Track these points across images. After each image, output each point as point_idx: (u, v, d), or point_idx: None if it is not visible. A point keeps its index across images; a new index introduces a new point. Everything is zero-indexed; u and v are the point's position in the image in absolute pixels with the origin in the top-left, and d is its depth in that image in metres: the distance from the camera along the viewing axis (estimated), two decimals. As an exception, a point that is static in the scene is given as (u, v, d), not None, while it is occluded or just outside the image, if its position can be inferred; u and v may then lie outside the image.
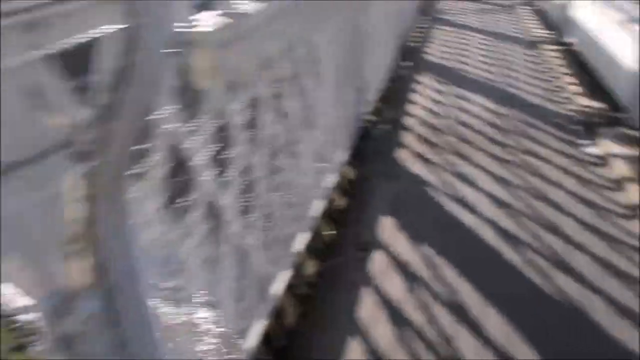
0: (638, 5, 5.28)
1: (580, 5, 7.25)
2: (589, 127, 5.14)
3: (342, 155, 4.50)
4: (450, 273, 3.39)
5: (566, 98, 5.97)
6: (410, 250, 3.65)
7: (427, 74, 7.15)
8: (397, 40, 8.02)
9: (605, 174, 4.35)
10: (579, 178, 4.32)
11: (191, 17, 1.87)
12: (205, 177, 2.15)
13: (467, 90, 6.46)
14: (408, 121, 5.69)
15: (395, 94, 6.45)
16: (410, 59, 7.78)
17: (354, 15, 4.64)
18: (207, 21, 1.92)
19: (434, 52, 8.25)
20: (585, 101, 5.63)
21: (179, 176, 1.95)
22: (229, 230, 2.39)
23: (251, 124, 2.59)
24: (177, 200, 1.95)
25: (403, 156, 4.94)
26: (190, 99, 1.94)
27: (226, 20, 1.98)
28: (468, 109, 5.89)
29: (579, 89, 5.98)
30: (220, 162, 2.22)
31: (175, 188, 1.90)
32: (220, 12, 2.01)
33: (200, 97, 2.04)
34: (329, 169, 4.09)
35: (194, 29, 1.85)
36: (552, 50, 7.57)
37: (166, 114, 1.80)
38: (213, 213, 2.24)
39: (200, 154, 2.10)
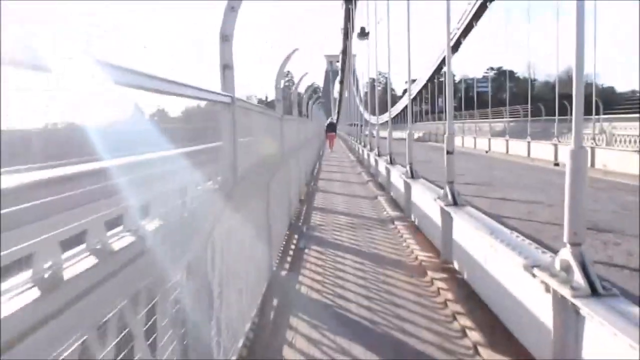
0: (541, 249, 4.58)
1: (464, 229, 6.63)
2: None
3: None
4: None
5: (469, 349, 4.87)
6: None
7: (301, 317, 5.87)
8: (261, 271, 6.83)
9: None
10: None
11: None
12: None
13: (348, 339, 5.20)
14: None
15: (264, 351, 5.01)
16: (280, 296, 6.53)
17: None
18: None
19: (307, 282, 7.12)
20: (495, 355, 4.53)
21: None
22: None
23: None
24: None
25: None
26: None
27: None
28: (354, 371, 4.55)
29: (481, 338, 4.92)
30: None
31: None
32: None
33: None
34: None
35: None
36: (439, 279, 6.71)
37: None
38: None
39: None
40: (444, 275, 6.84)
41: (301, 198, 14.66)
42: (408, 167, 10.86)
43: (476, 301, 5.87)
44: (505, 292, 4.91)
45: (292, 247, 9.16)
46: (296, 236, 9.90)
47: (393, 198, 13.75)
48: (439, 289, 6.43)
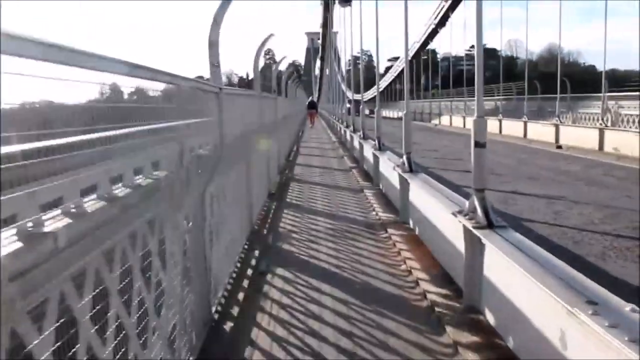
0: None
1: (507, 270, 4.19)
2: None
3: None
4: None
5: None
6: None
7: None
8: (191, 325, 4.32)
9: None
10: None
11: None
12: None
13: None
14: None
15: None
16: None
17: None
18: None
19: (262, 342, 4.62)
20: None
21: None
22: None
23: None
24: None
25: None
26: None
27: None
28: None
29: None
30: None
31: None
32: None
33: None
34: None
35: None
36: (467, 346, 4.26)
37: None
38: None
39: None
40: (475, 339, 4.37)
41: (271, 192, 12.13)
42: (405, 158, 8.36)
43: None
44: None
45: (250, 271, 6.65)
46: (257, 252, 7.39)
47: (383, 193, 11.27)
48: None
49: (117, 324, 2.91)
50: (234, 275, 6.36)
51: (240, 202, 7.38)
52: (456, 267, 5.43)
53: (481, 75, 5.10)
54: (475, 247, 4.77)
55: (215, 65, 4.50)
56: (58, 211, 2.42)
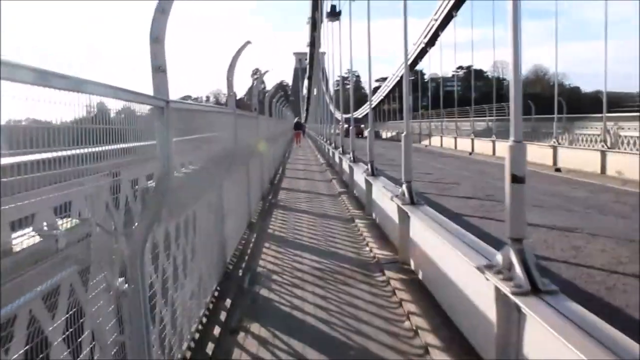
0: None
1: (558, 348, 2.98)
2: None
3: None
4: None
5: None
6: None
7: None
8: None
9: None
10: None
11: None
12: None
13: None
14: None
15: None
16: None
17: None
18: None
19: None
20: None
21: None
22: None
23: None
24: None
25: None
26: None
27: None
28: None
29: None
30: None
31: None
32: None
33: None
34: None
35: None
36: None
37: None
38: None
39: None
40: None
41: (252, 220, 10.87)
42: (405, 188, 7.16)
43: None
44: None
45: (218, 329, 5.36)
46: (229, 301, 6.11)
47: (377, 223, 10.06)
48: None
49: None
50: (196, 335, 5.08)
51: (208, 241, 6.12)
52: (480, 335, 4.20)
53: (519, 90, 3.96)
54: (511, 316, 3.54)
55: (160, 69, 3.29)
56: None
